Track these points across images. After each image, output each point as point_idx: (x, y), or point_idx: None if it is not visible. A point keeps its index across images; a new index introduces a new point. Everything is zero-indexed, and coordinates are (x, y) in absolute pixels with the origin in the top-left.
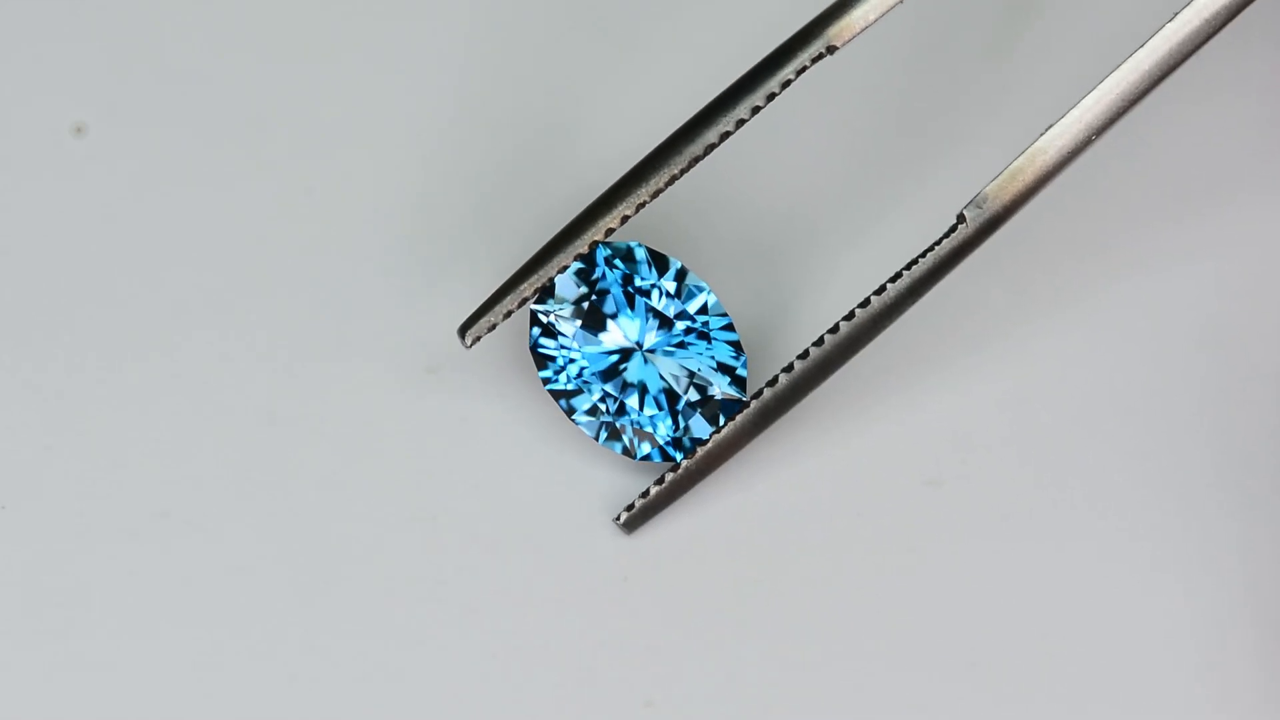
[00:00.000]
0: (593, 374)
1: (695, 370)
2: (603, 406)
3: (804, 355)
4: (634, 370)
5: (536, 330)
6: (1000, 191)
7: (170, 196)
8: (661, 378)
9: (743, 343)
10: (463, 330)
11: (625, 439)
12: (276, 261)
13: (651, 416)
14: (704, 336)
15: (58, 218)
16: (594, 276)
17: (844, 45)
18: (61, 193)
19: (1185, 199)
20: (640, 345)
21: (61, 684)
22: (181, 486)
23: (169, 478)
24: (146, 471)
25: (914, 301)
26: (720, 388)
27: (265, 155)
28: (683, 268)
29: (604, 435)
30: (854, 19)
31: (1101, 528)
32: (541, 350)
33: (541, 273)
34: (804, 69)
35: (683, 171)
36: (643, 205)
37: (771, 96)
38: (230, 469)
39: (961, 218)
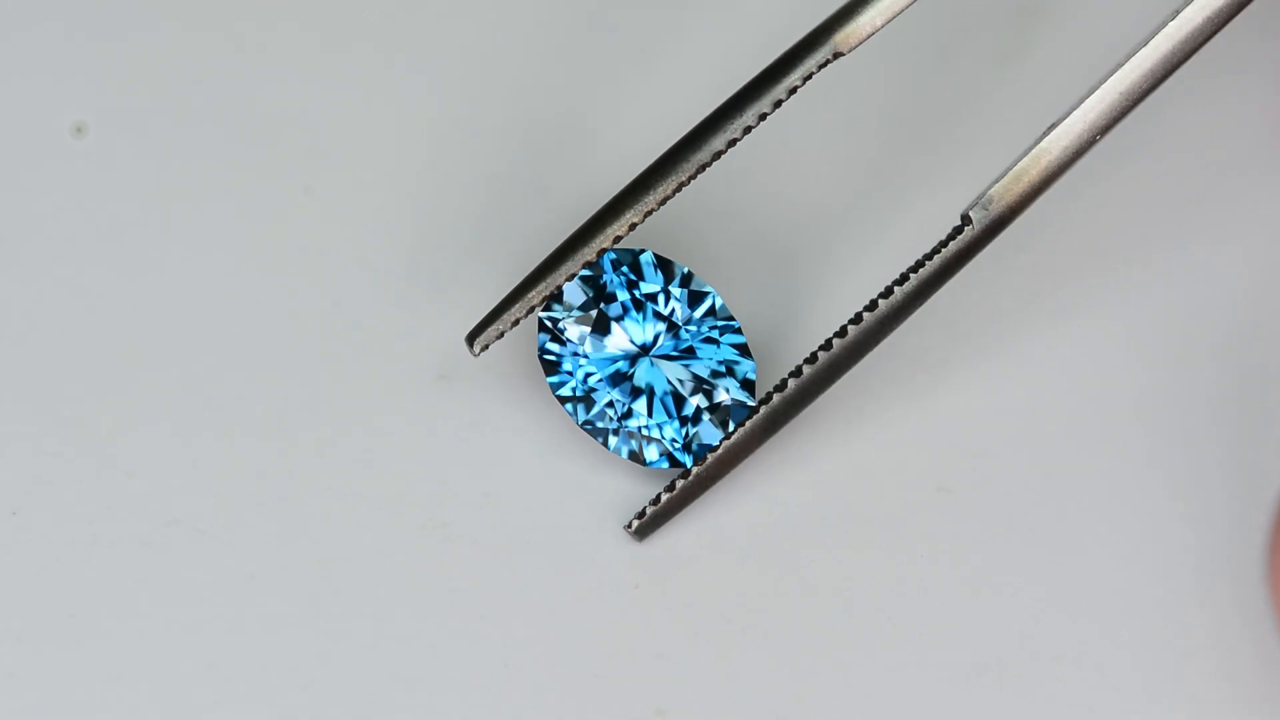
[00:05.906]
0: (601, 380)
1: (703, 375)
2: (611, 412)
3: (811, 359)
4: (642, 375)
5: (544, 336)
6: (1005, 192)
7: (174, 200)
8: (669, 382)
9: (750, 347)
10: (470, 338)
11: (634, 444)
12: (282, 267)
13: (660, 422)
14: (711, 341)
15: (58, 218)
16: (601, 282)
17: (850, 51)
18: (61, 193)
19: (1199, 201)
20: (648, 350)
21: (71, 691)
22: (190, 495)
23: (177, 486)
24: (156, 479)
25: (921, 304)
26: (729, 392)
27: (269, 158)
28: (690, 272)
29: (612, 441)
30: (860, 24)
31: (1113, 534)
32: (549, 356)
33: (549, 280)
34: (810, 75)
35: (690, 179)
36: (650, 213)
37: (778, 103)
38: (238, 476)
39: (966, 219)
